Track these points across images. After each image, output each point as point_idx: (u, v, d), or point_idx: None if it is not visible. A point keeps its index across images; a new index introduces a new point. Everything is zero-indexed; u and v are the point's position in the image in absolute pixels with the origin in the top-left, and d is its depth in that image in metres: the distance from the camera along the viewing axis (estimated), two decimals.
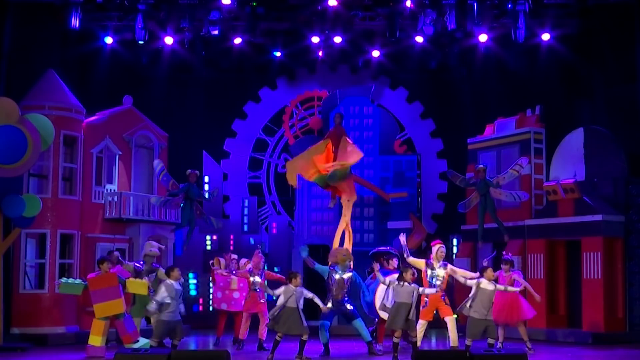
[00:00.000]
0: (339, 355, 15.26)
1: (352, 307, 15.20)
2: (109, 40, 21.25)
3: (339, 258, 15.20)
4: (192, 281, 21.95)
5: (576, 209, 17.95)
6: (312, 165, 16.82)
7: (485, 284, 14.10)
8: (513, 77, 22.26)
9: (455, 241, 21.40)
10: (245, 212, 23.47)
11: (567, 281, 18.71)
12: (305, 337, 14.08)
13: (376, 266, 15.26)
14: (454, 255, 21.08)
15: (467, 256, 19.88)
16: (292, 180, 17.38)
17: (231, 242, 22.74)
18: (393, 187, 21.02)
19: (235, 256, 17.19)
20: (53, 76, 18.13)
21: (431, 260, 14.96)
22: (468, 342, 14.02)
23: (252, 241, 22.86)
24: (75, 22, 19.19)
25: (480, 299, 13.99)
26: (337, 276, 15.17)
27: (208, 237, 22.59)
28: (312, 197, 20.45)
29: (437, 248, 15.07)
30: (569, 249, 18.66)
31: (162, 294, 13.84)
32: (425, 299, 14.75)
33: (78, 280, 15.57)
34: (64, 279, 15.66)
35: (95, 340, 14.90)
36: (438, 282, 14.71)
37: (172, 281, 13.98)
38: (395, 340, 13.94)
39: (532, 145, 19.41)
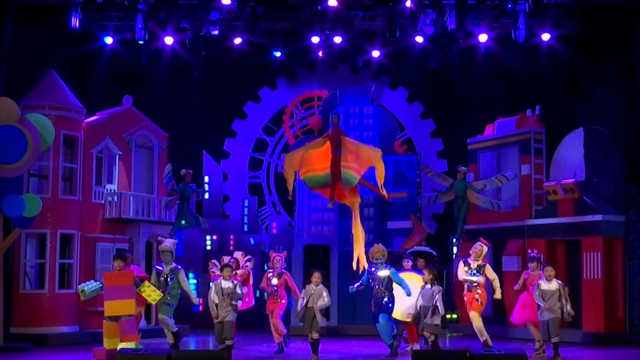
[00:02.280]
0: (342, 356, 15.26)
1: (390, 304, 14.82)
2: (109, 40, 21.25)
3: (375, 255, 14.98)
4: (192, 281, 21.94)
5: (576, 209, 17.96)
6: (306, 162, 16.54)
7: (545, 285, 14.37)
8: (513, 77, 22.27)
9: (455, 241, 21.40)
10: (245, 212, 23.47)
11: (567, 281, 18.67)
12: (314, 337, 14.01)
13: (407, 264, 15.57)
14: (454, 256, 21.10)
15: (467, 256, 19.84)
16: (290, 177, 16.94)
17: (231, 242, 22.73)
18: (393, 187, 21.01)
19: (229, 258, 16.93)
20: (53, 76, 18.13)
21: (468, 259, 15.18)
22: (555, 339, 14.25)
23: (252, 241, 22.87)
24: (75, 22, 19.20)
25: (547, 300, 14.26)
26: (377, 274, 14.87)
27: (208, 237, 22.59)
28: (312, 197, 20.40)
29: (477, 244, 15.22)
30: (569, 249, 18.67)
31: (211, 294, 13.96)
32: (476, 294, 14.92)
33: (96, 283, 14.65)
34: (82, 287, 14.74)
35: (112, 343, 14.03)
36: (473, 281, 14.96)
37: (223, 280, 13.95)
38: (429, 339, 14.22)
39: (532, 145, 19.43)
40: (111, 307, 13.99)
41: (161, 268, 14.96)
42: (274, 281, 15.73)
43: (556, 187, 18.22)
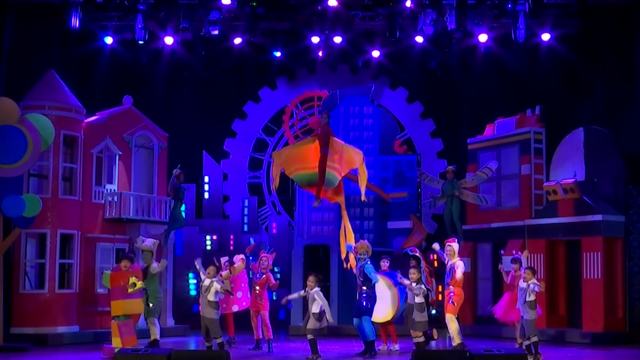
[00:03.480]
0: (342, 356, 15.25)
1: (366, 304, 14.92)
2: (109, 40, 21.25)
3: (359, 251, 15.13)
4: (192, 281, 21.95)
5: (576, 209, 17.95)
6: (294, 160, 16.47)
7: (522, 284, 14.14)
8: (513, 77, 22.27)
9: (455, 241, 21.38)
10: (245, 212, 23.46)
11: (567, 281, 18.71)
12: (308, 337, 14.21)
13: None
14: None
15: (467, 256, 19.87)
16: (276, 174, 16.84)
17: (231, 242, 22.73)
18: (393, 187, 21.02)
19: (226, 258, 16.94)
20: (53, 76, 18.12)
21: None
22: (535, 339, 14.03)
23: (252, 241, 22.85)
24: (75, 22, 19.21)
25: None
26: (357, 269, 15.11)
27: (208, 237, 22.58)
28: (312, 197, 20.36)
29: (447, 245, 15.18)
30: (569, 249, 18.67)
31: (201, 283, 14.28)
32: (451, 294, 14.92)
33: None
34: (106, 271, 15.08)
35: (116, 342, 14.27)
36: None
37: (206, 279, 14.18)
38: (415, 339, 14.43)
39: (532, 145, 19.43)
40: (117, 307, 14.31)
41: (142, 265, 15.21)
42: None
43: (556, 187, 18.22)
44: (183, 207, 19.66)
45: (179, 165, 18.75)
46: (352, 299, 19.30)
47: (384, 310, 15.73)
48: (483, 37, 20.95)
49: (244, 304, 16.59)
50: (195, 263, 14.45)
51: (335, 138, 16.20)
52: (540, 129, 19.64)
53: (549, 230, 18.50)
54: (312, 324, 14.22)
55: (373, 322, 15.14)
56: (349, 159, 16.12)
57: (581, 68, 20.68)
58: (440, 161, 23.81)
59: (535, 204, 19.32)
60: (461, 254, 20.21)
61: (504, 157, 19.70)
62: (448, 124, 23.97)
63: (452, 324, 14.84)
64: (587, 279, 17.66)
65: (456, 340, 14.80)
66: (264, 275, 16.11)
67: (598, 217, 17.57)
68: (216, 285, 14.09)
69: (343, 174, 16.25)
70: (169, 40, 21.25)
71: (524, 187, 19.35)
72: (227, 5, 19.92)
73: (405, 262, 16.48)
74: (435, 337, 15.20)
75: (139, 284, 14.50)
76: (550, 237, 18.51)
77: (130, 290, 14.39)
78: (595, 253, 17.53)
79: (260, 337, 15.98)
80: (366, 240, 15.56)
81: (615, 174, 18.26)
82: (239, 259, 16.56)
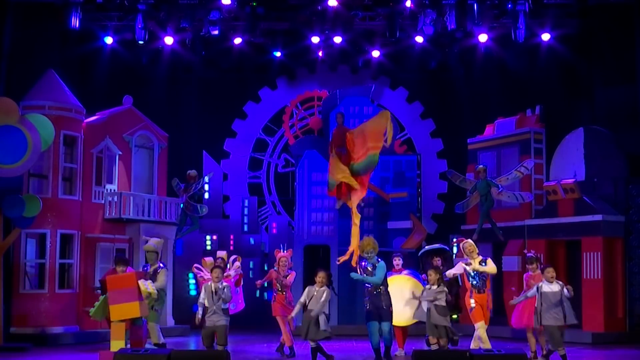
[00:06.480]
0: (342, 356, 15.25)
1: (390, 308, 13.93)
2: (109, 40, 21.25)
3: (365, 248, 14.02)
4: (192, 281, 21.95)
5: (576, 209, 17.97)
6: (339, 167, 16.19)
7: (547, 287, 13.34)
8: (513, 77, 22.26)
9: (455, 241, 21.38)
10: (245, 212, 23.46)
11: (567, 281, 18.63)
12: (311, 345, 13.62)
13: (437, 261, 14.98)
14: (454, 256, 21.05)
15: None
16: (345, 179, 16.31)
17: (231, 242, 22.73)
18: (393, 187, 21.03)
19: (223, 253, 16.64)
20: (53, 76, 18.13)
21: (466, 259, 14.17)
22: (561, 351, 13.11)
23: (252, 241, 22.87)
24: (75, 22, 19.20)
25: (546, 305, 13.16)
26: (368, 269, 13.95)
27: (208, 237, 22.58)
28: (312, 197, 20.46)
29: (462, 244, 14.27)
30: (569, 249, 18.68)
31: (201, 296, 13.28)
32: (472, 303, 13.96)
33: (97, 304, 14.06)
34: (91, 311, 14.08)
35: (118, 345, 13.36)
36: (478, 281, 13.92)
37: (211, 283, 13.23)
38: (433, 346, 13.69)
39: (532, 145, 19.46)
40: (116, 311, 13.50)
41: (147, 269, 14.88)
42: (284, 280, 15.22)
43: (556, 187, 18.23)
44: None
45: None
46: (353, 299, 19.42)
47: (408, 313, 14.90)
48: (483, 37, 20.95)
49: (236, 304, 16.40)
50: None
51: (351, 131, 15.99)
52: (540, 129, 19.66)
53: (549, 230, 18.50)
54: (322, 324, 13.40)
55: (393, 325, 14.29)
56: (375, 129, 15.74)
57: (581, 68, 20.69)
58: (440, 161, 23.82)
59: (535, 204, 19.33)
60: (461, 254, 20.29)
61: (504, 157, 19.72)
62: (448, 124, 23.97)
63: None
64: (587, 279, 17.67)
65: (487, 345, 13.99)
66: (289, 277, 15.31)
67: (598, 217, 17.58)
68: (227, 294, 13.26)
69: (380, 144, 15.59)
70: (169, 40, 21.25)
71: (524, 187, 19.34)
72: (227, 5, 19.91)
73: (412, 261, 16.41)
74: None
75: (154, 293, 14.13)
76: (550, 237, 18.52)
77: (147, 301, 13.92)
78: (595, 253, 17.55)
79: (292, 343, 15.15)
80: (371, 236, 14.62)
81: (615, 174, 18.28)
82: (224, 254, 16.30)
